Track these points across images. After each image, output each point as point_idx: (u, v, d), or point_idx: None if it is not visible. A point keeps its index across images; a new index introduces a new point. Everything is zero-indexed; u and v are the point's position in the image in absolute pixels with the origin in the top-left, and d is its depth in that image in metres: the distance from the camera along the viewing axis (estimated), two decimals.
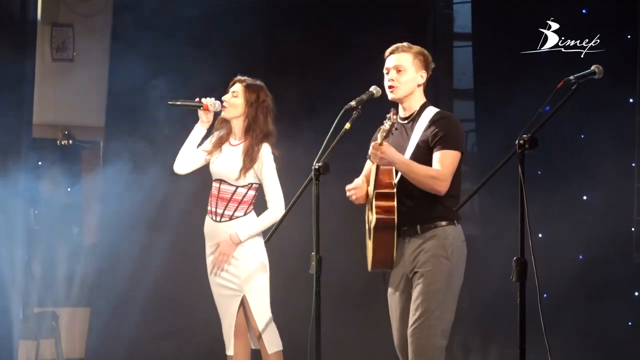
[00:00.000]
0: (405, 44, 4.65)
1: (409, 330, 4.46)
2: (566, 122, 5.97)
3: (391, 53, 4.64)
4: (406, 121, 4.62)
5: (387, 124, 4.32)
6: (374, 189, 4.49)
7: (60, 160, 7.87)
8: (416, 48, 4.65)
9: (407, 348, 4.48)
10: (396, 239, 4.49)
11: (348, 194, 4.65)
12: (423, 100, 4.65)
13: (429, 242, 4.48)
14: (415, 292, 4.47)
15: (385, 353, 4.73)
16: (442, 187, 4.41)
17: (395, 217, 4.45)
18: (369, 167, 4.74)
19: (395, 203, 4.45)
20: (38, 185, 7.75)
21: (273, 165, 5.34)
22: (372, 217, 4.53)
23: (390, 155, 4.36)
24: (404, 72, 4.58)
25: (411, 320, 4.46)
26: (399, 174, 4.48)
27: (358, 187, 4.65)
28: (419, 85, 4.62)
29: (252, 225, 5.31)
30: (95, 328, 7.12)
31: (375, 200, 4.47)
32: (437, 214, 4.49)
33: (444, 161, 4.43)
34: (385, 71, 4.65)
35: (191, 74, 6.74)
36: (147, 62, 6.96)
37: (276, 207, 5.29)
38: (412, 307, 4.47)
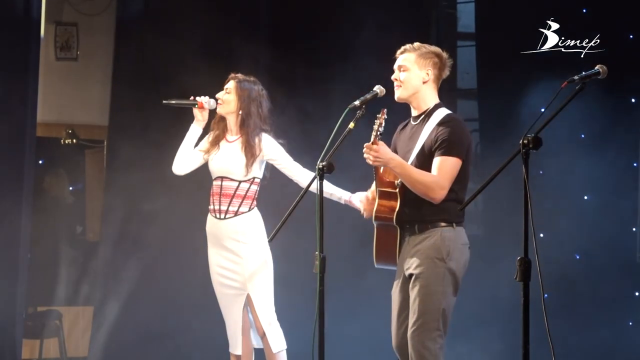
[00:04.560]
0: (415, 44, 4.56)
1: (409, 333, 4.40)
2: (567, 121, 5.98)
3: (400, 54, 4.59)
4: (417, 121, 4.54)
5: (375, 124, 4.25)
6: (377, 186, 4.48)
7: (63, 159, 7.90)
8: (423, 48, 4.54)
9: (405, 348, 4.44)
10: (399, 236, 4.48)
11: (363, 213, 4.64)
12: (435, 100, 4.55)
13: (424, 243, 4.42)
14: (413, 294, 4.41)
15: (389, 351, 4.72)
16: (438, 195, 4.34)
17: (395, 217, 4.42)
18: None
19: (397, 203, 4.41)
20: (42, 184, 7.78)
21: (280, 146, 5.35)
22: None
23: (384, 155, 4.29)
24: (405, 71, 4.52)
25: (410, 322, 4.41)
26: None
27: (367, 205, 4.61)
28: (424, 82, 4.51)
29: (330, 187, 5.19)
30: (99, 327, 7.12)
31: (379, 199, 4.46)
32: (437, 215, 4.41)
33: (442, 168, 4.35)
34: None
35: (195, 73, 6.74)
36: (151, 61, 6.97)
37: (307, 173, 5.27)
38: (411, 309, 4.42)
